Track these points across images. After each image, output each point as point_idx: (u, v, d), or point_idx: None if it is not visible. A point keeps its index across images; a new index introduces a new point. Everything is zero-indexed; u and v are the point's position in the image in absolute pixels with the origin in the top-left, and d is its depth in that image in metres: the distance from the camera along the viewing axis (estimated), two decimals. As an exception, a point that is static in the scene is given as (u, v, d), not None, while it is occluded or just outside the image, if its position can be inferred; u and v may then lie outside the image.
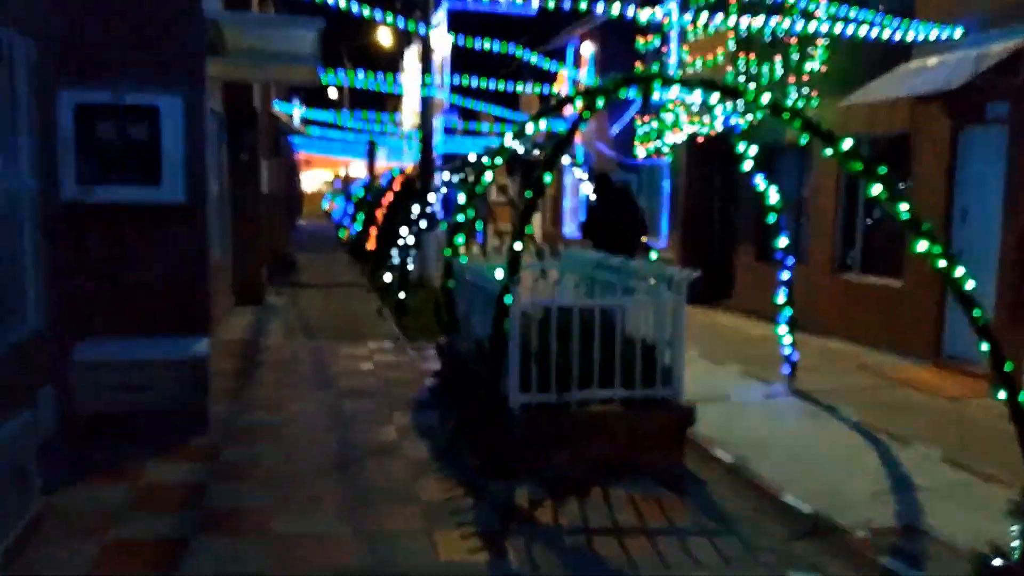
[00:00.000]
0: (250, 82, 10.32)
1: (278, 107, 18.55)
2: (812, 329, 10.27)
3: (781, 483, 5.28)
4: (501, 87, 15.22)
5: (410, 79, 43.10)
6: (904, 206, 5.28)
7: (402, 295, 10.65)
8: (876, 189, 5.15)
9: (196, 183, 5.75)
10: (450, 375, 7.49)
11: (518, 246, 5.52)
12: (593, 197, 9.86)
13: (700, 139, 13.88)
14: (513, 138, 7.06)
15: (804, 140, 5.59)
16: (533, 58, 11.08)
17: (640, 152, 16.50)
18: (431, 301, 13.05)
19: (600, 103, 5.84)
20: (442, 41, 26.84)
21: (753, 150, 7.52)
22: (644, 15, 7.67)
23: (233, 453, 5.54)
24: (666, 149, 15.29)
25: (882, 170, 5.38)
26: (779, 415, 7.11)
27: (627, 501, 4.96)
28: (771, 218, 7.99)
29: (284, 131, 21.14)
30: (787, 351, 8.11)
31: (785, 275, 8.00)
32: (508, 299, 5.37)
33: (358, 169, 43.36)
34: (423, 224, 12.78)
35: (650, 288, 5.77)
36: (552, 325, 5.48)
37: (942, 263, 5.20)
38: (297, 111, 24.21)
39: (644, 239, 10.60)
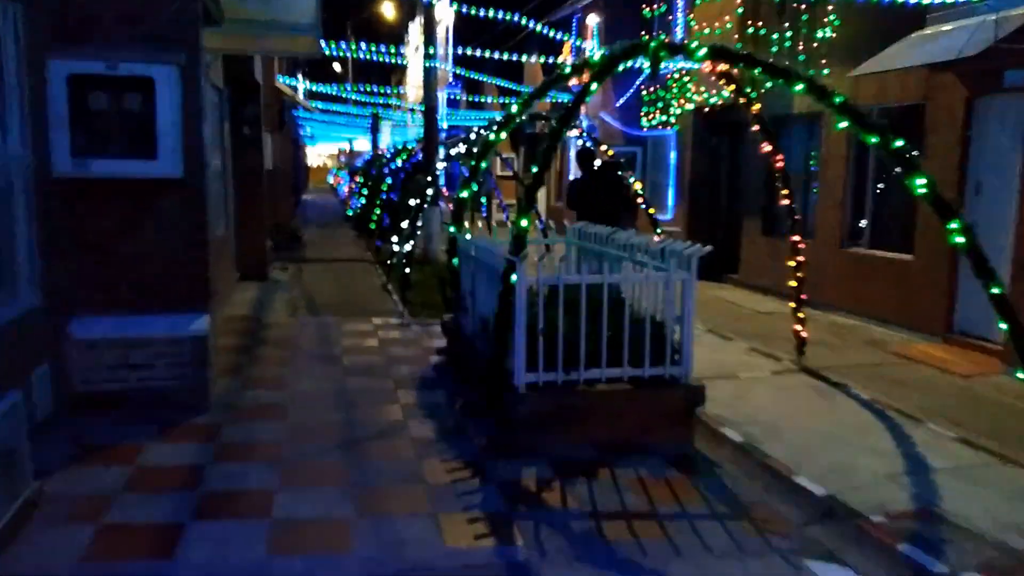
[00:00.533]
0: (250, 54, 10.11)
1: (282, 81, 18.31)
2: (820, 304, 10.12)
3: (793, 464, 5.17)
4: (506, 58, 14.98)
5: (413, 52, 42.73)
6: (921, 180, 5.12)
7: (407, 271, 10.51)
8: (895, 165, 4.99)
9: (194, 157, 5.59)
10: (456, 353, 7.38)
11: (524, 222, 5.37)
12: (579, 171, 9.86)
13: (707, 109, 13.65)
14: (519, 110, 6.88)
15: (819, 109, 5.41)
16: (538, 28, 10.80)
17: (646, 123, 16.26)
18: (435, 276, 12.95)
19: (607, 73, 5.67)
20: (445, 13, 26.49)
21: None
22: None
23: (234, 433, 5.44)
24: (672, 120, 15.05)
25: (899, 143, 5.22)
26: (788, 393, 6.98)
27: (636, 482, 4.85)
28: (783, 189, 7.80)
29: (288, 105, 20.90)
30: (797, 327, 7.98)
31: (795, 250, 7.83)
32: (514, 277, 5.23)
33: (363, 144, 43.13)
34: (427, 198, 12.63)
35: (659, 264, 5.62)
36: (559, 302, 5.34)
37: (960, 239, 5.05)
38: (301, 85, 23.95)
39: (651, 211, 10.45)
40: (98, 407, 5.54)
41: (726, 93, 12.65)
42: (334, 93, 23.05)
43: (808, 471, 5.04)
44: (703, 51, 5.67)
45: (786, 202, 7.75)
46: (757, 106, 7.22)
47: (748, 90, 7.65)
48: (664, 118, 15.26)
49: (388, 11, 43.37)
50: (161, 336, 5.57)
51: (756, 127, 7.40)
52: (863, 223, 10.65)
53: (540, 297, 5.33)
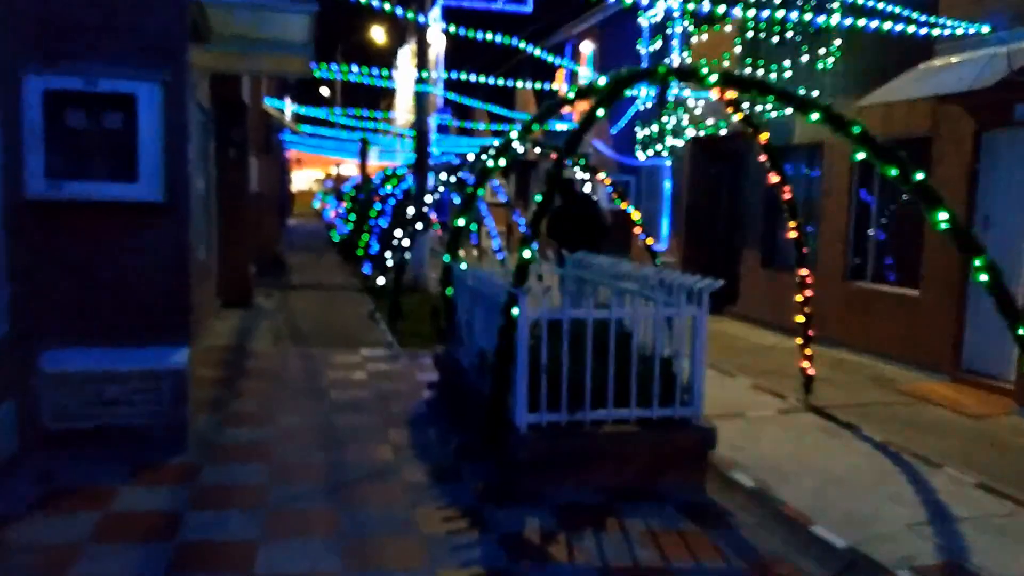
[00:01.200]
0: (239, 73, 9.83)
1: (269, 103, 18.04)
2: (822, 339, 9.85)
3: (810, 512, 4.86)
4: (499, 83, 14.81)
5: (403, 77, 42.67)
6: (944, 215, 4.88)
7: (397, 299, 10.18)
8: (915, 199, 4.75)
9: (177, 180, 5.27)
10: (449, 388, 7.04)
11: (527, 252, 5.08)
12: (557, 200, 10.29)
13: (706, 138, 13.47)
14: (519, 135, 6.61)
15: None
16: (536, 51, 10.59)
17: (640, 152, 16.09)
18: (425, 305, 12.60)
19: (614, 98, 5.44)
20: (437, 39, 26.36)
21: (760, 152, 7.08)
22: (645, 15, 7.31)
23: (214, 475, 5.07)
24: (668, 149, 14.88)
25: (919, 175, 4.99)
26: (798, 433, 6.69)
27: (647, 534, 4.51)
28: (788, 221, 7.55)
29: (275, 128, 20.63)
30: (804, 364, 7.70)
31: (804, 284, 7.57)
32: (516, 310, 4.92)
33: (349, 168, 42.86)
34: (418, 225, 12.34)
35: (668, 299, 5.33)
36: (563, 338, 5.03)
37: (984, 277, 4.81)
38: (289, 107, 23.69)
39: (649, 241, 10.20)
40: (69, 445, 5.16)
41: (724, 122, 12.50)
42: (323, 117, 22.76)
43: (826, 520, 4.74)
44: (714, 77, 5.45)
45: (794, 234, 7.49)
46: (765, 135, 6.99)
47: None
48: (660, 147, 15.08)
49: (379, 36, 43.42)
50: (138, 370, 5.21)
51: (763, 157, 7.15)
52: (866, 256, 10.43)
53: (543, 332, 5.02)
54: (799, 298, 7.63)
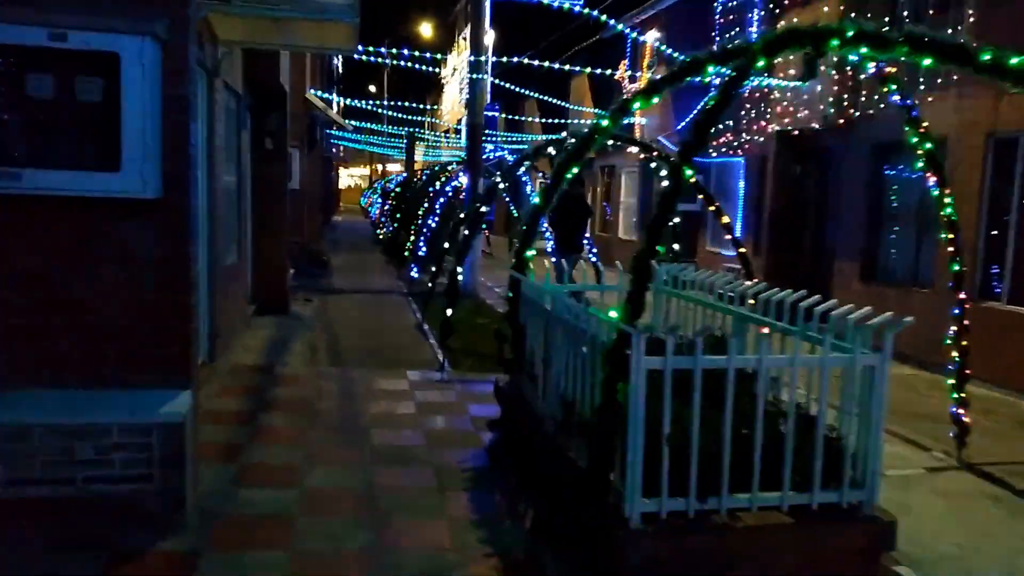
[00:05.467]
0: (274, 48, 8.57)
1: (314, 94, 16.87)
2: (938, 366, 8.27)
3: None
4: (558, 68, 13.51)
5: (451, 74, 41.56)
6: None
7: (449, 312, 8.83)
8: None
9: (177, 169, 3.99)
10: (515, 432, 5.65)
11: (642, 268, 3.66)
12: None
13: (794, 133, 11.92)
14: (608, 125, 5.21)
15: None
16: (619, 26, 9.17)
17: (712, 148, 14.57)
18: (477, 316, 11.29)
19: (760, 64, 4.03)
20: (486, 34, 25.03)
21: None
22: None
23: (216, 570, 3.76)
24: (744, 145, 13.33)
25: None
26: (962, 504, 5.23)
27: None
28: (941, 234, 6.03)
29: (321, 122, 19.47)
30: (959, 411, 6.18)
31: (961, 311, 6.06)
32: (632, 357, 3.53)
33: (394, 166, 41.91)
34: (469, 228, 11.01)
35: (833, 342, 3.88)
36: (695, 394, 3.62)
37: None
38: (336, 103, 22.58)
39: (742, 250, 8.73)
40: (27, 521, 3.90)
41: (827, 113, 10.94)
42: (371, 109, 21.58)
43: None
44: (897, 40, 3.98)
45: (950, 249, 5.97)
46: (925, 124, 5.48)
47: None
48: (736, 142, 13.55)
49: (426, 31, 42.38)
50: (120, 422, 3.93)
51: (920, 151, 5.64)
52: (1001, 272, 8.82)
53: (666, 385, 3.61)
54: (953, 327, 6.11)
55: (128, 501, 4.01)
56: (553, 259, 10.93)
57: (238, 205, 9.16)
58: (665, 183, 4.39)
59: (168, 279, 4.06)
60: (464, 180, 14.33)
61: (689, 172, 3.72)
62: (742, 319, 4.95)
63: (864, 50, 4.16)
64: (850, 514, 3.86)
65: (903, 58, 4.24)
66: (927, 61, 4.19)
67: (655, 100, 5.03)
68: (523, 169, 10.17)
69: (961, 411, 6.14)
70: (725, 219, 8.40)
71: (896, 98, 5.57)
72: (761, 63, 4.00)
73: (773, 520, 3.75)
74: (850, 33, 4.07)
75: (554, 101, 18.98)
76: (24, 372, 3.96)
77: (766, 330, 4.53)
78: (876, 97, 10.00)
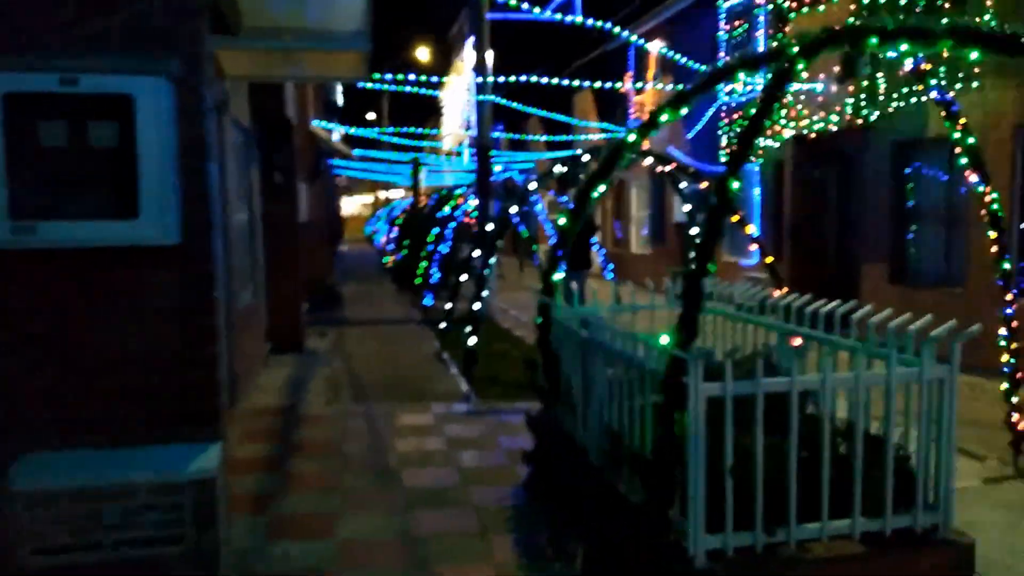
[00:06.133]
0: (281, 81, 8.45)
1: (317, 125, 16.79)
2: (978, 369, 8.00)
3: None
4: (565, 84, 13.41)
5: (450, 97, 41.61)
6: None
7: (472, 341, 8.64)
8: None
9: (196, 213, 3.82)
10: (555, 467, 5.42)
11: (693, 288, 3.45)
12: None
13: (811, 137, 11.73)
14: (637, 136, 5.03)
15: None
16: (632, 38, 9.04)
17: (724, 156, 14.39)
18: (498, 341, 11.07)
19: (800, 68, 3.85)
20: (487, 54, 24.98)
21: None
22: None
23: (255, 631, 3.55)
24: (763, 151, 13.15)
25: None
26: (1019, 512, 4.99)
27: None
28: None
29: (324, 152, 19.39)
30: (1015, 417, 5.93)
31: (1010, 311, 5.83)
32: (690, 384, 3.32)
33: (397, 193, 41.90)
34: (478, 251, 10.82)
35: (898, 356, 3.66)
36: (757, 422, 3.41)
37: None
38: (337, 131, 22.53)
39: (768, 260, 8.52)
40: (52, 591, 3.69)
41: (832, 118, 10.76)
42: (373, 137, 21.51)
43: None
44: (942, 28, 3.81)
45: (994, 248, 5.75)
46: (963, 120, 5.29)
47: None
48: (761, 146, 13.38)
49: (423, 55, 42.51)
50: (148, 481, 3.73)
51: (959, 149, 5.44)
52: (1036, 268, 8.59)
53: (727, 412, 3.40)
54: (1003, 329, 5.88)
55: (159, 563, 3.79)
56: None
57: (251, 243, 9.01)
58: (699, 196, 4.23)
59: (192, 328, 3.87)
60: (474, 203, 14.21)
61: (736, 185, 3.51)
62: (786, 333, 4.75)
63: (905, 46, 3.99)
64: (925, 539, 3.63)
65: (946, 52, 4.07)
66: (974, 54, 4.02)
67: (683, 111, 4.86)
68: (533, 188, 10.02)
69: (1016, 417, 5.89)
70: (750, 228, 8.19)
71: (934, 94, 5.37)
72: (801, 66, 3.82)
73: (845, 550, 3.52)
74: (891, 28, 3.91)
75: (558, 118, 18.86)
76: (46, 434, 3.76)
77: (798, 340, 4.34)
78: (895, 95, 9.82)
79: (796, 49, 3.85)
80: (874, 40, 3.91)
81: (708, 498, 3.40)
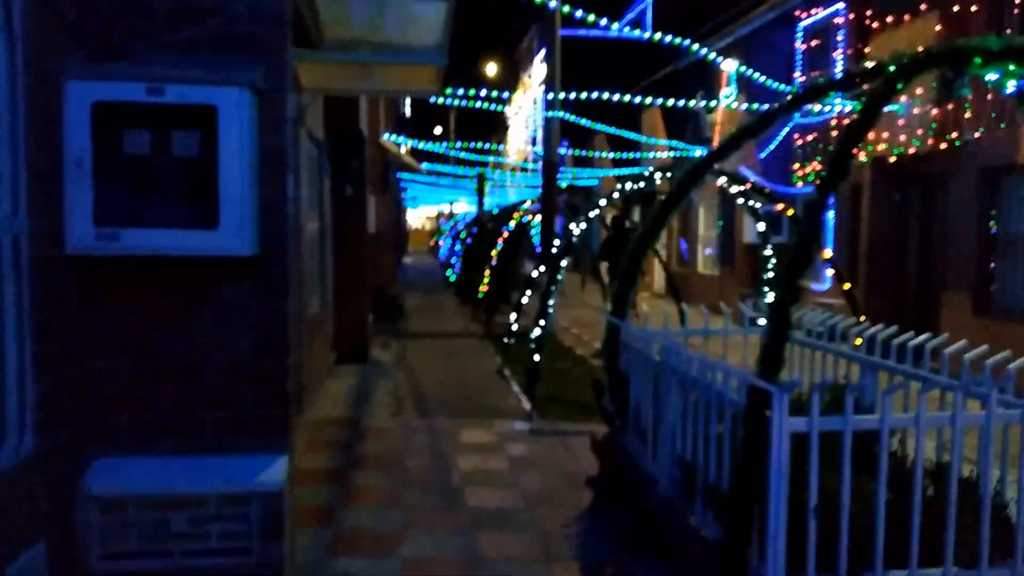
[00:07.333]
0: (357, 94, 8.53)
1: (387, 138, 17.00)
2: None
3: None
4: (636, 101, 13.32)
5: (516, 112, 41.80)
6: None
7: (537, 357, 8.54)
8: None
9: (274, 225, 3.83)
10: (621, 495, 5.28)
11: (780, 316, 3.29)
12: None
13: (892, 159, 11.34)
14: (719, 155, 4.90)
15: None
16: (704, 51, 8.89)
17: (799, 178, 14.04)
18: (560, 358, 10.98)
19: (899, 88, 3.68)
20: (544, 70, 25.04)
21: None
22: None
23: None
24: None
25: None
26: None
27: None
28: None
29: (393, 164, 19.62)
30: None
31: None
32: (774, 418, 3.16)
33: (461, 207, 42.18)
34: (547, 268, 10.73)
35: (998, 396, 3.43)
36: (844, 460, 3.23)
37: None
38: (406, 145, 22.80)
39: (847, 286, 8.22)
40: (120, 598, 3.71)
41: (917, 140, 10.38)
42: (441, 151, 21.69)
43: None
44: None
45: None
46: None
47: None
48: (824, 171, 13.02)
49: (491, 70, 42.84)
50: (216, 491, 3.73)
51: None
52: None
53: (812, 449, 3.23)
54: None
55: (226, 574, 3.79)
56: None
57: (320, 253, 9.10)
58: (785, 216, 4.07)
59: (266, 339, 3.87)
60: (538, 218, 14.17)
61: (831, 212, 3.35)
62: (872, 367, 4.53)
63: (1012, 67, 3.77)
64: (1025, 593, 3.39)
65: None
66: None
67: (764, 132, 4.71)
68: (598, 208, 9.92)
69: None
70: (827, 253, 7.92)
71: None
72: (900, 87, 3.65)
73: (938, 602, 3.31)
74: (996, 48, 3.70)
75: (626, 134, 18.70)
76: (121, 439, 3.80)
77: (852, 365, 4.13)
78: (983, 119, 9.43)
79: (894, 69, 3.69)
80: (978, 60, 3.72)
81: (788, 538, 3.24)
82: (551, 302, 9.41)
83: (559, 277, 9.41)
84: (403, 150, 22.07)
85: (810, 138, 13.90)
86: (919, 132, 10.68)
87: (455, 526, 4.99)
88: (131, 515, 3.71)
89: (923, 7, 10.69)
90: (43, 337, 3.30)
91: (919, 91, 10.34)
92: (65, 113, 3.44)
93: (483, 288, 16.20)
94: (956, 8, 10.09)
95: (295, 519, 4.53)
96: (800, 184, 14.16)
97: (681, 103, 15.29)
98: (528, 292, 11.24)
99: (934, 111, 10.20)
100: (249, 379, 3.87)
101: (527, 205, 17.58)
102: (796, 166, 14.38)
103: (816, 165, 13.50)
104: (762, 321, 4.12)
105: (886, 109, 9.44)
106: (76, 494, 3.65)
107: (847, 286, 8.00)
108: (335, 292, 10.08)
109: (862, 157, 11.99)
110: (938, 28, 10.31)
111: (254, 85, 3.60)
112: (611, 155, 25.03)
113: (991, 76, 4.55)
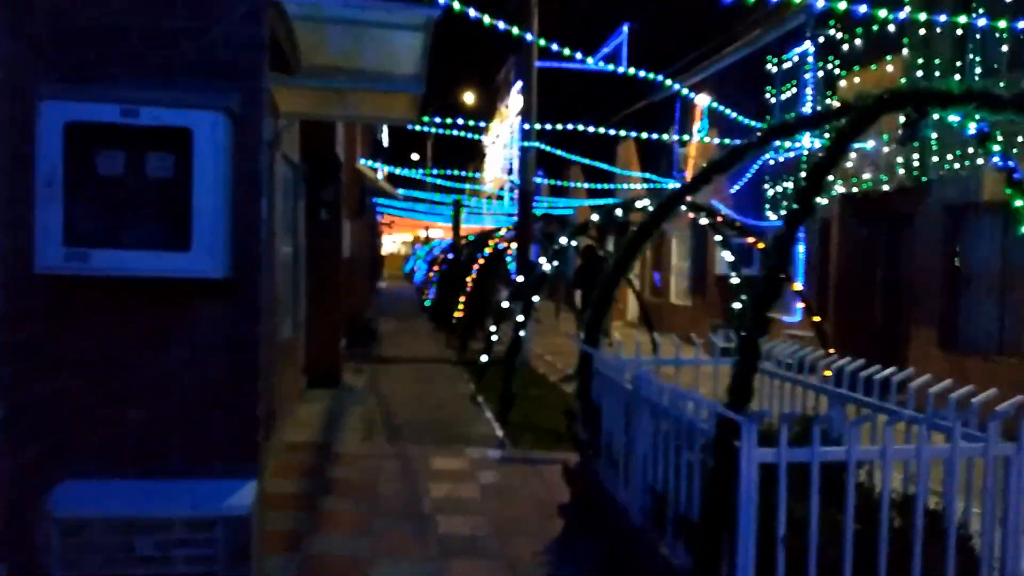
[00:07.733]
0: (334, 120, 8.56)
1: (363, 164, 17.03)
2: None
3: None
4: (611, 133, 13.54)
5: (492, 142, 42.12)
6: None
7: (510, 384, 8.54)
8: None
9: (246, 248, 3.82)
10: (593, 524, 5.27)
11: (749, 347, 3.34)
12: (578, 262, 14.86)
13: (859, 195, 11.56)
14: (694, 186, 4.98)
15: None
16: (682, 90, 9.02)
17: (770, 213, 14.26)
18: (532, 386, 10.95)
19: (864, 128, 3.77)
20: (518, 101, 25.33)
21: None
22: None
23: None
24: (816, 204, 12.99)
25: None
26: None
27: None
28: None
29: (369, 190, 19.62)
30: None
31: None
32: (743, 449, 3.19)
33: (437, 232, 42.24)
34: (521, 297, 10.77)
35: (961, 429, 3.49)
36: (812, 492, 3.26)
37: None
38: (383, 170, 22.84)
39: (816, 319, 8.31)
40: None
41: (884, 176, 10.61)
42: (417, 177, 21.76)
43: None
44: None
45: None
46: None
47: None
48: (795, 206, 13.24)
49: (469, 98, 43.13)
50: (183, 516, 3.67)
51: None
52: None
53: (780, 480, 3.26)
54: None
55: (189, 601, 3.72)
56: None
57: (294, 277, 9.06)
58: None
59: (237, 362, 3.84)
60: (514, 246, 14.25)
61: (801, 246, 3.42)
62: (840, 399, 4.59)
63: (975, 112, 3.89)
64: (990, 631, 3.42)
65: (1014, 118, 3.98)
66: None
67: (735, 167, 4.80)
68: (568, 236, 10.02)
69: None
70: (797, 286, 8.03)
71: (995, 160, 5.23)
72: (863, 126, 3.74)
73: (902, 637, 3.33)
74: (958, 92, 3.82)
75: (601, 166, 18.90)
76: (87, 462, 3.74)
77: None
78: (949, 157, 9.66)
79: (860, 109, 3.79)
80: (939, 103, 3.84)
81: (757, 568, 3.25)
82: (524, 331, 9.45)
83: (534, 304, 9.45)
84: (380, 175, 22.11)
85: (777, 176, 14.16)
86: (885, 169, 10.92)
87: (425, 554, 4.95)
88: (95, 538, 3.64)
89: (888, 50, 10.98)
90: (9, 356, 3.26)
91: (885, 131, 10.59)
92: (37, 133, 3.43)
93: (458, 314, 16.20)
94: (921, 51, 10.37)
95: (263, 544, 4.47)
96: (772, 217, 14.38)
97: (655, 136, 15.49)
98: (502, 320, 11.27)
99: (898, 150, 10.45)
100: (219, 402, 3.84)
101: (503, 232, 17.66)
102: (767, 201, 14.61)
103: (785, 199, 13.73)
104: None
105: (854, 146, 9.61)
106: (38, 515, 3.58)
107: (817, 319, 8.11)
108: (308, 316, 10.03)
109: (831, 192, 12.22)
110: (902, 70, 10.59)
111: (229, 109, 3.61)
112: (586, 185, 25.26)
113: (953, 117, 4.69)
